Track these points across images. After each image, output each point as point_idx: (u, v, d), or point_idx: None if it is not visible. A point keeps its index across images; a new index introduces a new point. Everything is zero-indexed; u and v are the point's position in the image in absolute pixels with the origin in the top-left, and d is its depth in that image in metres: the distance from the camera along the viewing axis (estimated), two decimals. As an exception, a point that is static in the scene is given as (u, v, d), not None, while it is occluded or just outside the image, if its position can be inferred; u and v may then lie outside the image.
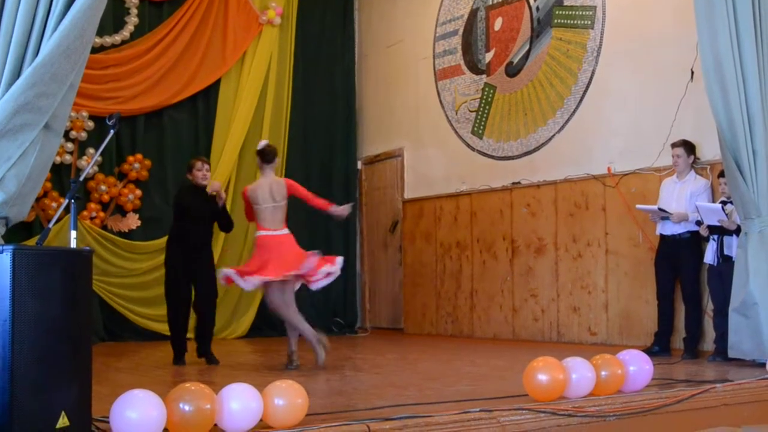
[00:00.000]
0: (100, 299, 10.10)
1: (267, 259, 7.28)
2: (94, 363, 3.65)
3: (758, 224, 6.73)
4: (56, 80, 4.08)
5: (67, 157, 9.96)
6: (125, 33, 10.65)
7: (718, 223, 7.35)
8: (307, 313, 11.42)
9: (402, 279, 11.82)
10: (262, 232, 7.40)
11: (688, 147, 7.94)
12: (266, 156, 7.65)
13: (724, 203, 7.40)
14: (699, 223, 7.63)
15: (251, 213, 7.54)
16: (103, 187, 10.22)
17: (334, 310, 12.03)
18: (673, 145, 8.00)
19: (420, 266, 11.49)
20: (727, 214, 7.24)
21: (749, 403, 5.35)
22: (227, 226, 8.13)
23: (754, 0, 6.80)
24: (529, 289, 9.89)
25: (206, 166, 7.82)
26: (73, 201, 4.10)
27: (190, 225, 7.63)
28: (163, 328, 10.07)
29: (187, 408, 3.50)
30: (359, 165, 12.59)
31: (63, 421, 3.25)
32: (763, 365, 6.06)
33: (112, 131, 4.73)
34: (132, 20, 10.71)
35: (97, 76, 10.28)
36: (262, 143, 7.98)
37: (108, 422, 3.43)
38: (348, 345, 9.98)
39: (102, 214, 10.28)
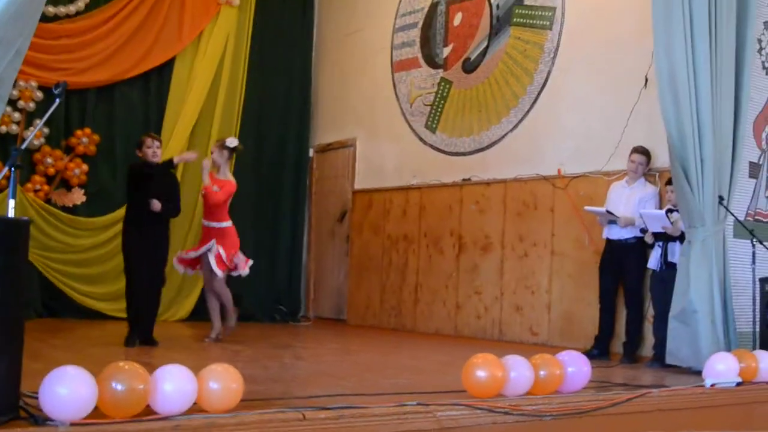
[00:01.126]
0: (39, 274, 9.93)
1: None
2: (29, 339, 3.57)
3: (702, 233, 6.80)
4: (2, 45, 3.97)
5: (14, 127, 9.75)
6: (80, 3, 10.45)
7: (662, 230, 7.42)
8: (250, 300, 11.45)
9: (348, 270, 11.79)
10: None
11: (647, 155, 8.00)
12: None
13: (670, 210, 7.47)
14: (644, 230, 7.70)
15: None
16: (49, 160, 10.04)
17: (277, 298, 11.94)
18: (635, 151, 8.02)
19: (366, 258, 11.46)
20: (672, 222, 7.32)
21: (684, 410, 5.41)
22: (173, 210, 7.86)
23: (711, 10, 6.86)
24: (473, 286, 9.91)
25: (156, 143, 7.68)
26: (13, 169, 3.99)
27: (143, 203, 7.49)
28: (104, 306, 10.00)
29: (119, 387, 3.43)
30: (311, 153, 12.52)
31: (-10, 394, 3.17)
32: (699, 373, 6.13)
33: (57, 100, 4.61)
34: (88, -9, 10.54)
35: (49, 46, 10.09)
36: (236, 141, 8.38)
37: (37, 398, 3.35)
38: (289, 333, 9.93)
39: (46, 187, 10.08)
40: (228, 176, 8.26)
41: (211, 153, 8.36)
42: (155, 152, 7.61)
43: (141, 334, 7.40)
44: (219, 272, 7.95)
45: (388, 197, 11.23)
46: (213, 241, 8.00)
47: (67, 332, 8.46)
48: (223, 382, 3.74)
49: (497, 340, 9.47)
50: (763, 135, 7.84)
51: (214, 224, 8.07)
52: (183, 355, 6.63)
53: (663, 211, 7.46)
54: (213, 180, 8.12)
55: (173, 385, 3.59)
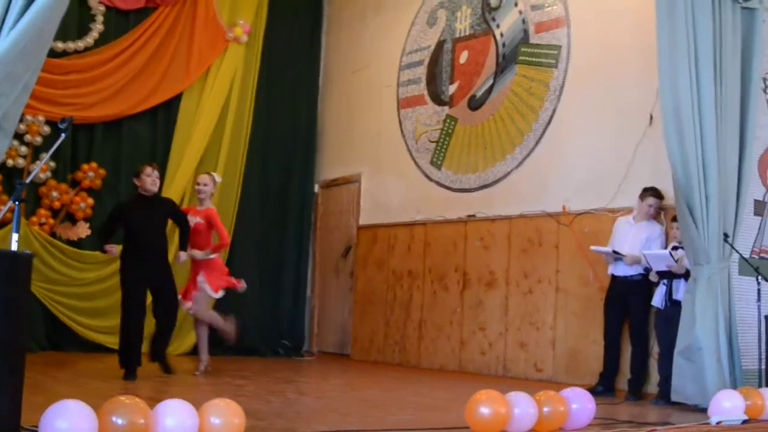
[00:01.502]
0: (43, 307, 9.92)
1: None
2: (32, 372, 3.57)
3: (707, 270, 6.79)
4: (10, 80, 4.01)
5: (21, 161, 9.80)
6: (89, 39, 10.54)
7: (666, 269, 7.41)
8: (254, 335, 11.42)
9: (352, 305, 11.76)
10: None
11: (662, 197, 7.97)
12: None
13: (675, 248, 7.46)
14: (648, 269, 7.69)
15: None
16: (55, 194, 10.07)
17: (281, 333, 11.91)
18: (652, 195, 7.94)
19: (371, 293, 11.44)
20: (676, 260, 7.30)
21: (689, 447, 5.38)
22: (185, 238, 8.03)
23: (716, 48, 6.92)
24: (477, 322, 9.87)
25: (156, 172, 7.71)
26: (17, 203, 4.01)
27: (142, 234, 7.50)
28: (107, 339, 9.95)
29: (120, 422, 3.42)
30: (316, 188, 12.55)
31: (-10, 427, 3.16)
32: (705, 410, 6.09)
33: (63, 134, 4.65)
34: (97, 27, 10.61)
35: (58, 81, 10.16)
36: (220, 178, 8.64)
37: (37, 431, 3.34)
38: (293, 368, 9.89)
39: (51, 220, 10.11)
40: (209, 206, 8.32)
41: (200, 184, 8.36)
42: (154, 181, 7.65)
43: (156, 356, 7.47)
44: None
45: (392, 233, 11.23)
46: (201, 277, 8.04)
47: (69, 365, 8.44)
48: (224, 417, 3.73)
49: (502, 377, 9.42)
50: (768, 173, 7.85)
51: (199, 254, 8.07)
52: (185, 390, 6.60)
53: (667, 251, 7.44)
54: (194, 213, 8.20)
55: (175, 419, 3.58)
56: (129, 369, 7.32)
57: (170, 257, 8.35)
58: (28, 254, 3.54)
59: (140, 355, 7.46)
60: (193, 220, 8.05)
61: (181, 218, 7.92)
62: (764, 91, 7.78)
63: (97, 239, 7.79)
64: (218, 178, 8.56)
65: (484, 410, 4.51)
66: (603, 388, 7.90)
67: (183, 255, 7.83)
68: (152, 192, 7.65)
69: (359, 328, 11.56)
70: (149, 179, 7.61)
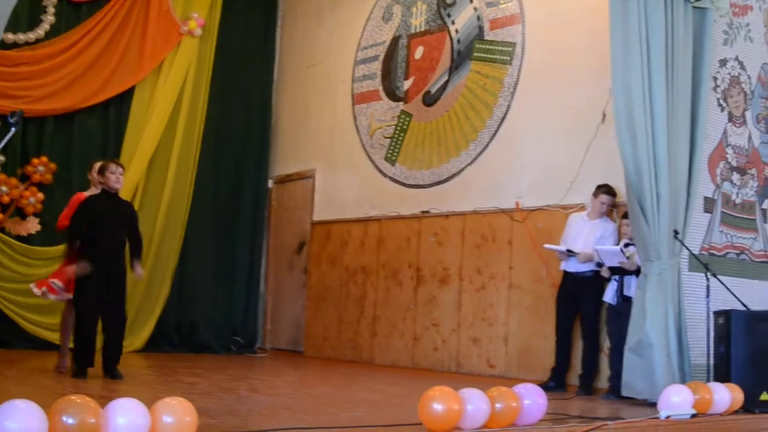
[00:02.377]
0: (-9, 304, 9.78)
1: None
2: (-23, 369, 3.50)
3: (658, 267, 6.89)
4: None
5: (-32, 155, 9.66)
6: (40, 31, 10.38)
7: (618, 265, 7.50)
8: (206, 331, 11.36)
9: (305, 301, 11.74)
10: None
11: (615, 195, 8.05)
12: None
13: (627, 245, 7.54)
14: (600, 264, 7.76)
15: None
16: (4, 188, 9.92)
17: (234, 329, 11.86)
18: (605, 193, 8.01)
19: (324, 289, 11.42)
20: (627, 257, 7.39)
21: (639, 442, 5.44)
22: (138, 241, 7.72)
23: (668, 48, 7.01)
24: (431, 318, 9.91)
25: (120, 169, 7.43)
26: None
27: (104, 231, 7.33)
28: (56, 337, 9.77)
29: (70, 421, 3.37)
30: (270, 183, 12.50)
31: (-64, 428, 3.10)
32: (654, 405, 6.16)
33: (13, 129, 4.58)
34: (48, 19, 10.45)
35: (7, 73, 10.00)
36: None
37: (-15, 432, 3.28)
38: (246, 365, 9.84)
39: (0, 215, 9.95)
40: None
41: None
42: (118, 179, 7.40)
43: (107, 367, 7.22)
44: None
45: (346, 229, 11.22)
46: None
47: (19, 363, 8.32)
48: (176, 415, 3.69)
49: (455, 373, 9.46)
50: (717, 170, 7.96)
51: None
52: (136, 388, 6.54)
53: (618, 248, 7.52)
54: None
55: (126, 419, 3.53)
56: (81, 367, 7.10)
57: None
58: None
59: (93, 356, 7.27)
60: None
61: (135, 227, 7.68)
62: (715, 89, 7.88)
63: (71, 238, 7.47)
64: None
65: (437, 407, 4.51)
66: (555, 383, 7.97)
67: (140, 269, 7.65)
68: (116, 190, 7.45)
69: (313, 325, 11.54)
70: (113, 176, 7.36)
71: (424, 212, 10.16)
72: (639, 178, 6.92)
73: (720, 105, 8.00)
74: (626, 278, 7.52)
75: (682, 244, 7.04)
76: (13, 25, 10.02)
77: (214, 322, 11.60)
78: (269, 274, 12.41)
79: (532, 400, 5.00)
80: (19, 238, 10.09)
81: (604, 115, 8.32)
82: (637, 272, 7.24)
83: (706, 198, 7.82)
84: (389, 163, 10.73)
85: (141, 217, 9.23)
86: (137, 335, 10.68)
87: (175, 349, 11.08)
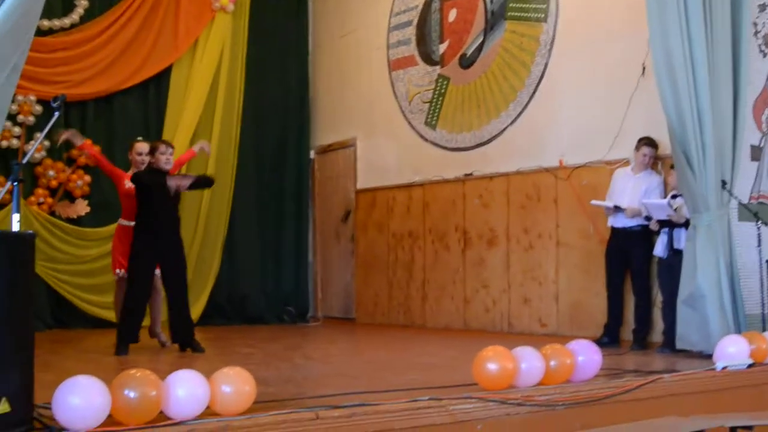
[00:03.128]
0: (47, 286, 9.95)
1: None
2: (40, 350, 3.58)
3: (707, 218, 6.80)
4: (-1, 61, 3.98)
5: (15, 142, 9.78)
6: (75, 16, 10.47)
7: (666, 218, 7.42)
8: (258, 303, 11.49)
9: (354, 269, 11.80)
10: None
11: (657, 146, 7.97)
12: None
13: (674, 196, 7.47)
14: (648, 218, 7.69)
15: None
16: (51, 173, 10.05)
17: (285, 299, 11.98)
18: (646, 144, 7.95)
19: (372, 256, 11.47)
20: (675, 209, 7.31)
21: (697, 394, 5.41)
22: (207, 182, 8.07)
23: (706, -6, 6.88)
24: (480, 280, 9.91)
25: (170, 150, 7.49)
26: (15, 184, 4.01)
27: (155, 207, 7.38)
28: (111, 315, 9.89)
29: (132, 394, 3.44)
30: (312, 154, 12.53)
31: (4, 407, 3.18)
32: (709, 356, 6.13)
33: (56, 113, 4.63)
34: (82, 3, 10.54)
35: (46, 59, 10.10)
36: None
37: (50, 409, 3.36)
38: (299, 334, 9.94)
39: (50, 200, 10.11)
40: None
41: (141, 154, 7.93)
42: (168, 159, 7.42)
43: (185, 341, 7.34)
44: None
45: (391, 195, 11.23)
46: None
47: (77, 342, 8.47)
48: (235, 385, 3.74)
49: (506, 333, 9.47)
50: (763, 118, 7.84)
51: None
52: (193, 361, 6.63)
53: (666, 201, 7.44)
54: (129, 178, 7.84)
55: (185, 390, 3.59)
56: (124, 344, 7.15)
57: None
58: (30, 234, 3.54)
59: (138, 332, 7.34)
60: (129, 184, 7.75)
61: (191, 179, 7.71)
62: (755, 35, 7.74)
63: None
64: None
65: (492, 366, 4.53)
66: (608, 339, 7.95)
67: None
68: (166, 171, 7.49)
69: (363, 292, 11.61)
70: (163, 157, 7.38)
71: (467, 175, 10.13)
72: (683, 129, 6.82)
73: (762, 51, 7.85)
74: (676, 231, 7.43)
75: (731, 194, 6.94)
76: (47, 11, 10.09)
77: (265, 294, 11.73)
78: (317, 244, 12.48)
79: (586, 356, 5.00)
80: (69, 220, 10.24)
81: (644, 68, 8.21)
82: (686, 224, 7.16)
83: (752, 146, 7.70)
84: (429, 128, 10.70)
85: (186, 196, 9.31)
86: (192, 309, 10.78)
87: (229, 321, 11.22)
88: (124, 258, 7.65)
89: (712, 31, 6.89)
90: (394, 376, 5.62)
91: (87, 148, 8.53)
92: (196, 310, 10.79)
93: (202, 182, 7.90)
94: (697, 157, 6.79)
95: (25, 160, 4.86)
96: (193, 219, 10.76)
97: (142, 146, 7.86)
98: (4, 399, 3.18)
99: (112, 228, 9.84)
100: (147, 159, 7.69)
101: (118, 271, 7.85)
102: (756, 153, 7.75)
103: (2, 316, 3.24)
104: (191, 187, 7.63)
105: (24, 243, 3.47)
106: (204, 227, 11.05)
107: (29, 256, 3.50)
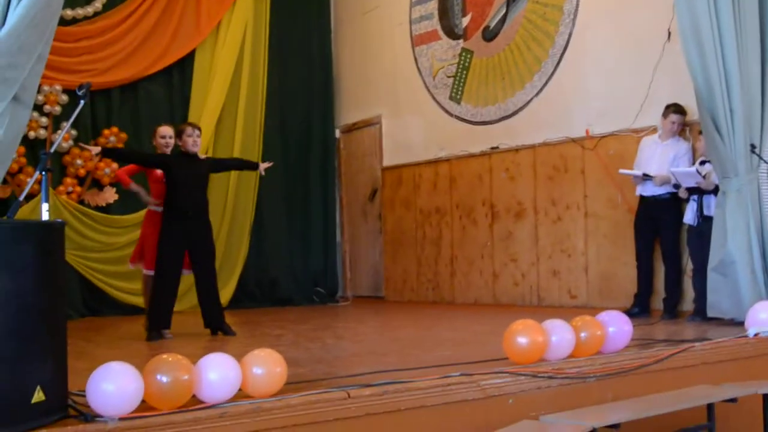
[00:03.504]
0: (78, 274, 10.04)
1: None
2: (72, 338, 3.61)
3: (736, 183, 6.74)
4: (24, 51, 3.99)
5: (42, 132, 9.84)
6: (97, 4, 10.49)
7: (695, 185, 7.36)
8: (287, 284, 11.53)
9: (382, 247, 11.82)
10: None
11: (685, 113, 7.89)
12: None
13: (702, 162, 7.40)
14: (677, 186, 7.63)
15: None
16: (79, 161, 10.12)
17: (314, 280, 12.02)
18: (675, 112, 7.88)
19: (400, 234, 11.48)
20: (704, 176, 7.25)
21: (728, 362, 5.39)
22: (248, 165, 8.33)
23: (730, -42, 6.77)
24: (509, 253, 9.89)
25: (197, 132, 7.41)
26: (44, 173, 4.04)
27: (184, 192, 7.38)
28: (142, 301, 9.98)
29: (164, 379, 3.46)
30: (337, 133, 12.54)
31: (39, 396, 3.21)
32: (741, 324, 6.09)
33: (82, 102, 4.66)
34: (103, -9, 10.58)
35: (70, 48, 10.15)
36: None
37: (85, 396, 3.40)
38: (329, 314, 9.98)
39: (78, 188, 10.18)
40: None
41: (166, 137, 7.80)
42: (195, 141, 7.36)
43: (216, 325, 7.32)
44: None
45: (417, 172, 11.22)
46: None
47: (108, 329, 8.55)
48: (266, 366, 3.76)
49: (536, 306, 9.47)
50: (792, 81, 7.72)
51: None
52: (223, 344, 6.68)
53: (694, 169, 7.38)
54: None
55: (217, 373, 3.61)
56: (155, 330, 7.15)
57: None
58: (59, 223, 3.56)
59: (169, 318, 7.35)
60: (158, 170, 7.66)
61: (225, 162, 7.81)
62: (783, -4, 7.62)
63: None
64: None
65: (522, 340, 4.53)
66: (638, 309, 7.92)
67: (263, 166, 7.97)
68: (194, 152, 7.46)
69: (391, 270, 11.62)
70: (190, 139, 7.33)
71: (493, 148, 10.10)
72: (710, 94, 6.74)
73: (790, 13, 7.72)
74: (705, 198, 7.38)
75: (760, 157, 6.85)
76: (70, 1, 10.13)
77: (294, 275, 11.77)
78: (344, 223, 12.51)
79: (617, 327, 4.98)
80: (98, 208, 10.31)
81: (670, 33, 8.13)
82: (715, 191, 7.10)
83: (782, 108, 7.59)
84: (454, 102, 10.66)
85: (213, 179, 9.34)
86: (220, 293, 10.83)
87: (258, 303, 11.28)
88: (150, 251, 7.59)
89: (738, -7, 6.79)
90: (424, 352, 5.63)
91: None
92: (225, 294, 10.85)
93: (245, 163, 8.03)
94: (725, 121, 6.72)
95: (52, 150, 4.86)
96: (221, 203, 10.81)
97: (166, 129, 7.79)
98: (38, 387, 3.21)
99: (140, 215, 9.94)
100: (171, 142, 7.69)
101: (146, 271, 7.76)
102: (785, 115, 7.64)
103: (35, 306, 3.27)
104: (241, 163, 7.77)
105: (54, 232, 3.50)
106: (232, 211, 11.10)
107: (59, 245, 3.53)
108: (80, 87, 4.66)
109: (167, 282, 7.31)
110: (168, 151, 7.65)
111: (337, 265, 12.42)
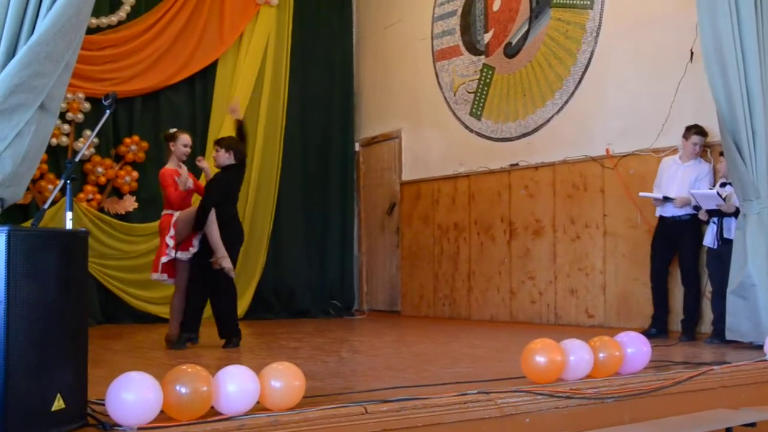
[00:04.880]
0: (97, 282, 10.07)
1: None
2: (91, 346, 3.62)
3: (757, 206, 6.71)
4: (51, 60, 4.03)
5: (64, 139, 9.90)
6: (121, 13, 10.57)
7: (716, 207, 7.33)
8: (304, 296, 11.54)
9: (399, 261, 11.81)
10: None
11: (706, 135, 7.87)
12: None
13: (723, 184, 7.38)
14: (697, 207, 7.60)
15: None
16: (100, 169, 10.17)
17: (330, 293, 12.03)
18: (696, 133, 7.85)
19: (417, 248, 11.47)
20: (725, 198, 7.22)
21: (747, 385, 5.35)
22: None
23: (755, -20, 6.76)
24: (526, 271, 9.87)
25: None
26: (68, 182, 4.07)
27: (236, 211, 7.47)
28: (160, 310, 10.06)
29: (183, 390, 3.48)
30: (357, 147, 12.56)
31: (59, 403, 3.23)
32: (760, 347, 6.05)
33: (107, 111, 4.70)
34: (128, 0, 10.63)
35: (94, 57, 10.21)
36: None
37: (104, 404, 3.41)
38: (345, 327, 9.97)
39: (99, 196, 10.23)
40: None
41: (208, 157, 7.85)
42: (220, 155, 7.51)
43: (226, 335, 7.33)
44: None
45: (436, 187, 11.22)
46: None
47: (127, 337, 8.58)
48: (285, 380, 3.77)
49: (553, 324, 9.43)
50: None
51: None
52: (241, 356, 6.69)
53: (715, 191, 7.36)
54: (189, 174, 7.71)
55: (236, 385, 3.63)
56: (183, 338, 7.18)
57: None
58: (83, 232, 3.59)
59: (198, 327, 7.34)
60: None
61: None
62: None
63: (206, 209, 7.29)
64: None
65: (540, 359, 4.52)
66: (656, 330, 7.89)
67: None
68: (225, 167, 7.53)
69: (408, 284, 11.62)
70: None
71: (513, 165, 10.09)
72: (732, 115, 6.72)
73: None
74: (725, 220, 7.34)
75: (782, 180, 6.83)
76: (95, 9, 10.16)
77: (311, 287, 11.79)
78: (362, 237, 12.51)
79: (635, 348, 4.97)
80: (117, 216, 10.35)
81: (692, 54, 8.12)
82: (735, 214, 7.07)
83: (804, 132, 7.55)
84: (475, 118, 10.66)
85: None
86: (238, 304, 10.87)
87: (275, 315, 11.30)
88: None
89: (762, 14, 6.78)
90: (441, 369, 5.63)
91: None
92: (242, 305, 10.88)
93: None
94: (748, 143, 6.70)
95: (77, 158, 4.90)
96: (240, 213, 10.83)
97: (189, 138, 7.68)
98: (58, 395, 3.23)
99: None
100: (189, 152, 7.60)
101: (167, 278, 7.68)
102: (807, 139, 7.60)
103: (57, 314, 3.29)
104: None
105: (78, 241, 3.52)
106: (250, 222, 11.12)
107: (83, 254, 3.55)
108: (106, 96, 4.70)
109: (200, 290, 7.32)
110: (185, 159, 7.58)
111: (354, 279, 12.43)
